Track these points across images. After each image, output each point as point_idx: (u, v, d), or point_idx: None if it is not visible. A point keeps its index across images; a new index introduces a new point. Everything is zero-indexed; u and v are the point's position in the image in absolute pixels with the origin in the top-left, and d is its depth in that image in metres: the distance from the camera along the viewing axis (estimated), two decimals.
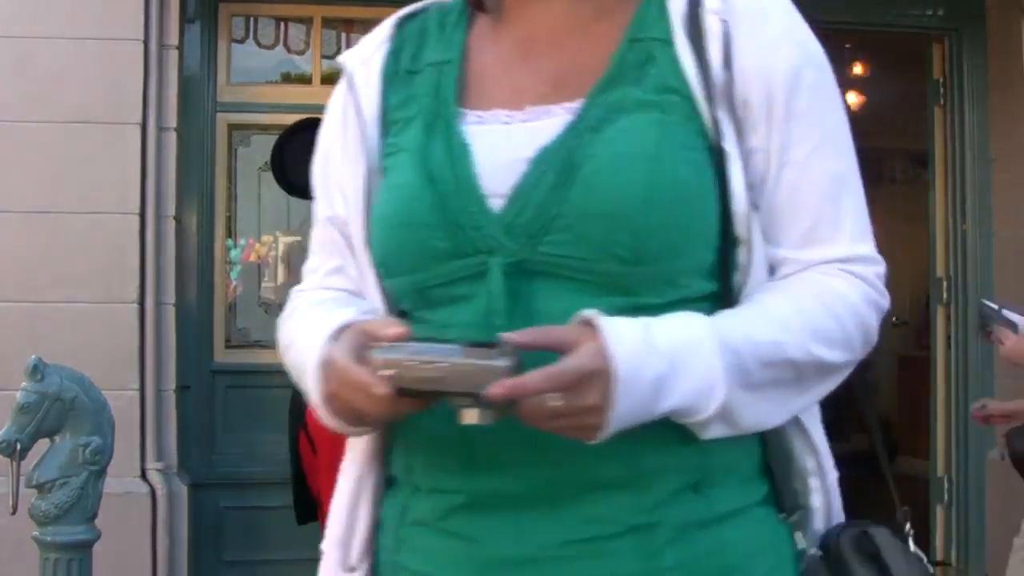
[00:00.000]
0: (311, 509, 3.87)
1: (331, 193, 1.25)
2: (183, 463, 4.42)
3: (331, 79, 5.01)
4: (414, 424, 1.07)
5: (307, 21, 4.96)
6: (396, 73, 1.23)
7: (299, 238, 4.97)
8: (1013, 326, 3.18)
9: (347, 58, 1.33)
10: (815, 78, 1.19)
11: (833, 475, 1.18)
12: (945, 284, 5.35)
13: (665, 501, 1.06)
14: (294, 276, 4.98)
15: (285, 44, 4.98)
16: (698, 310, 1.05)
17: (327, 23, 4.98)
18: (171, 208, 4.38)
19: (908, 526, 1.26)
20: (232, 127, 4.83)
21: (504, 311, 1.03)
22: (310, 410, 3.73)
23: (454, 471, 1.09)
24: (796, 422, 1.14)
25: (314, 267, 1.28)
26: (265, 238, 4.93)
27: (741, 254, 1.09)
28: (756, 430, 1.09)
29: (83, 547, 3.07)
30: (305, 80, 4.96)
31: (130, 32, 4.28)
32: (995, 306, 3.35)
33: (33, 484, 3.04)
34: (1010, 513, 4.94)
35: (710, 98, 1.07)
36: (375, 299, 1.16)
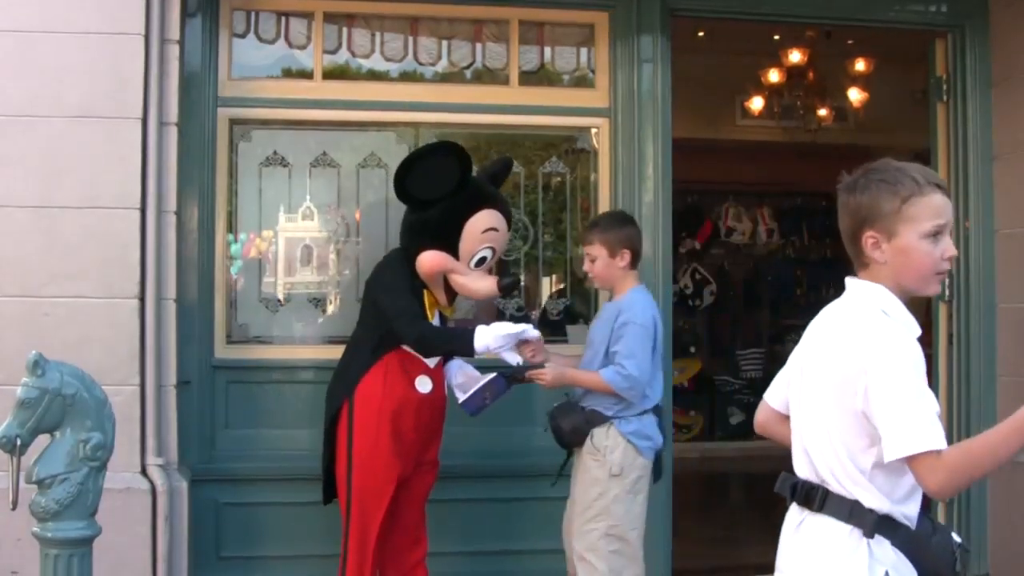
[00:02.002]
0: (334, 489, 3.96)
1: None
2: (183, 459, 4.42)
3: (332, 74, 5.07)
4: None
5: (309, 16, 4.94)
6: None
7: (300, 234, 4.97)
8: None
9: None
10: None
11: None
12: (947, 282, 5.34)
13: None
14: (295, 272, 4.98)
15: (286, 39, 4.97)
16: None
17: (329, 18, 4.97)
18: (172, 203, 4.37)
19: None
20: (233, 122, 4.81)
21: None
22: (360, 389, 3.84)
23: None
24: None
25: None
26: (266, 233, 4.93)
27: None
28: None
29: (83, 543, 3.08)
30: (306, 75, 4.95)
31: (131, 26, 4.27)
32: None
33: (33, 480, 3.04)
34: (1012, 512, 4.94)
35: None
36: None
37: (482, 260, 4.02)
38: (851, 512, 2.11)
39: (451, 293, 4.04)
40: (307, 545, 4.57)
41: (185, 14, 4.53)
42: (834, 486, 2.14)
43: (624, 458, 3.86)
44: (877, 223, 2.17)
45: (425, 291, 3.98)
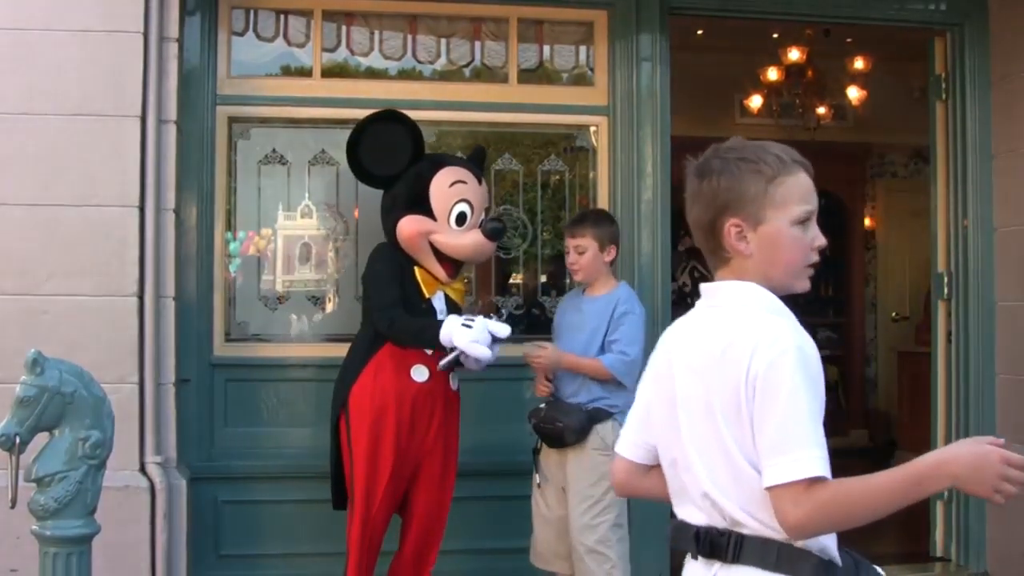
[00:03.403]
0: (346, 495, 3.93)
1: None
2: (182, 457, 4.41)
3: (331, 72, 5.06)
4: None
5: (307, 14, 4.94)
6: None
7: (299, 231, 4.97)
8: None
9: None
10: None
11: None
12: (946, 279, 5.34)
13: None
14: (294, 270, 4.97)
15: (285, 37, 4.97)
16: None
17: (327, 16, 4.97)
18: (171, 201, 4.37)
19: None
20: (232, 120, 4.81)
21: None
22: (351, 397, 3.82)
23: None
24: None
25: None
26: (265, 231, 4.92)
27: None
28: None
29: (82, 541, 3.07)
30: (305, 73, 4.95)
31: (130, 24, 4.27)
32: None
33: (32, 478, 3.04)
34: (1010, 509, 4.94)
35: None
36: None
37: (461, 217, 4.00)
38: (780, 556, 1.74)
39: (450, 265, 4.02)
40: (306, 543, 4.57)
41: (184, 12, 4.52)
42: (752, 526, 1.76)
43: None
44: (741, 209, 1.85)
45: (418, 270, 3.97)
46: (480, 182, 4.15)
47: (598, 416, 3.94)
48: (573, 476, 3.97)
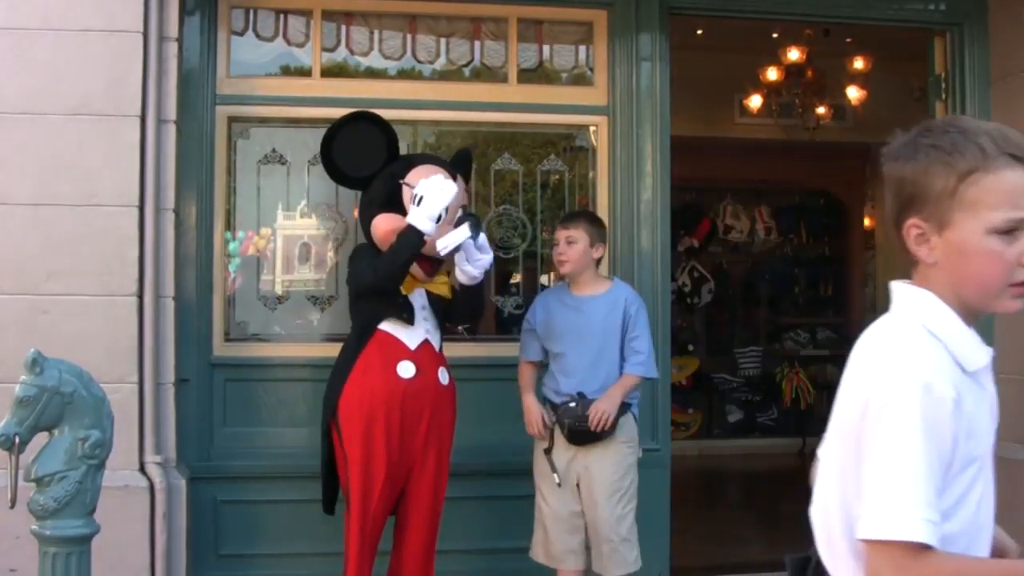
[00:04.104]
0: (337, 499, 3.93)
1: None
2: (181, 456, 4.42)
3: (331, 72, 5.05)
4: None
5: (307, 13, 4.95)
6: None
7: (299, 231, 4.97)
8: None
9: None
10: None
11: None
12: None
13: None
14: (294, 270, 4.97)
15: (285, 36, 4.97)
16: None
17: (327, 15, 4.97)
18: (170, 201, 4.37)
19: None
20: (232, 120, 4.82)
21: None
22: (341, 402, 3.78)
23: None
24: None
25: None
26: (264, 231, 4.92)
27: None
28: None
29: (82, 541, 3.07)
30: (305, 73, 4.95)
31: (130, 24, 4.27)
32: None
33: (32, 478, 3.03)
34: (1011, 512, 4.93)
35: None
36: None
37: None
38: None
39: (428, 263, 3.98)
40: (305, 543, 4.57)
41: (184, 12, 4.53)
42: (830, 568, 1.55)
43: (637, 438, 4.17)
44: (924, 207, 1.53)
45: None
46: (455, 180, 4.13)
47: (622, 408, 4.04)
48: (600, 470, 4.02)
